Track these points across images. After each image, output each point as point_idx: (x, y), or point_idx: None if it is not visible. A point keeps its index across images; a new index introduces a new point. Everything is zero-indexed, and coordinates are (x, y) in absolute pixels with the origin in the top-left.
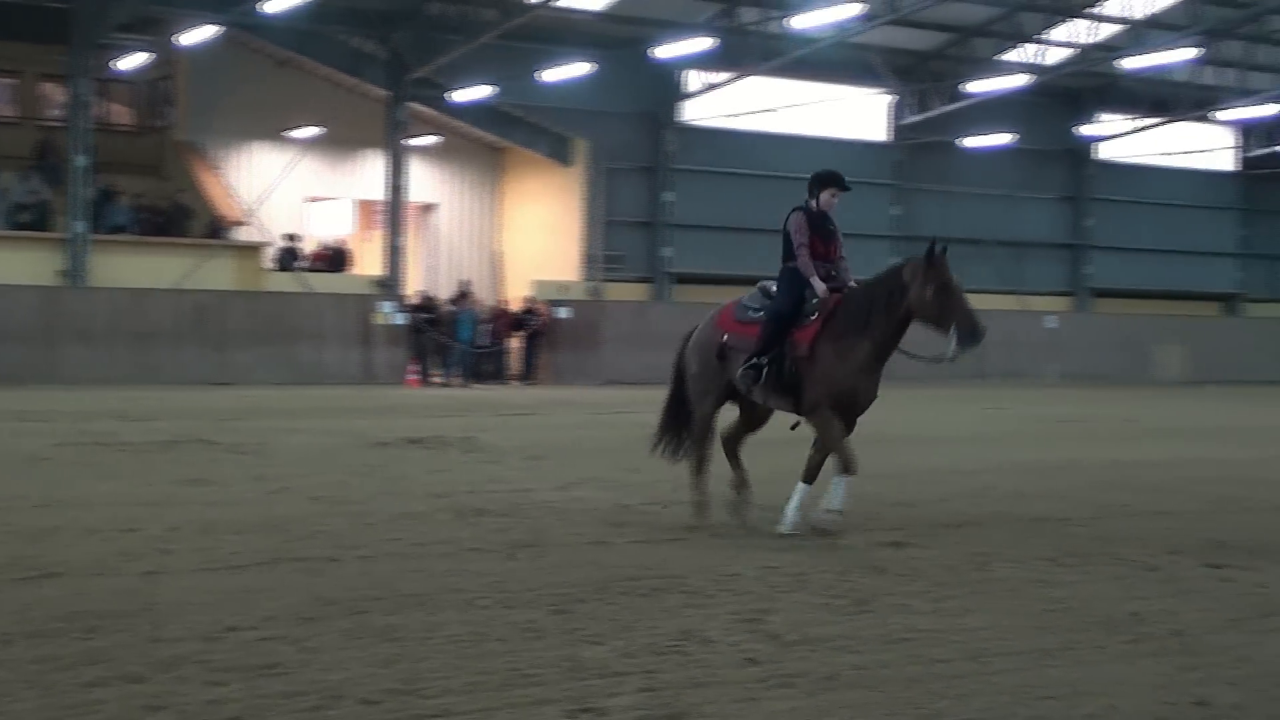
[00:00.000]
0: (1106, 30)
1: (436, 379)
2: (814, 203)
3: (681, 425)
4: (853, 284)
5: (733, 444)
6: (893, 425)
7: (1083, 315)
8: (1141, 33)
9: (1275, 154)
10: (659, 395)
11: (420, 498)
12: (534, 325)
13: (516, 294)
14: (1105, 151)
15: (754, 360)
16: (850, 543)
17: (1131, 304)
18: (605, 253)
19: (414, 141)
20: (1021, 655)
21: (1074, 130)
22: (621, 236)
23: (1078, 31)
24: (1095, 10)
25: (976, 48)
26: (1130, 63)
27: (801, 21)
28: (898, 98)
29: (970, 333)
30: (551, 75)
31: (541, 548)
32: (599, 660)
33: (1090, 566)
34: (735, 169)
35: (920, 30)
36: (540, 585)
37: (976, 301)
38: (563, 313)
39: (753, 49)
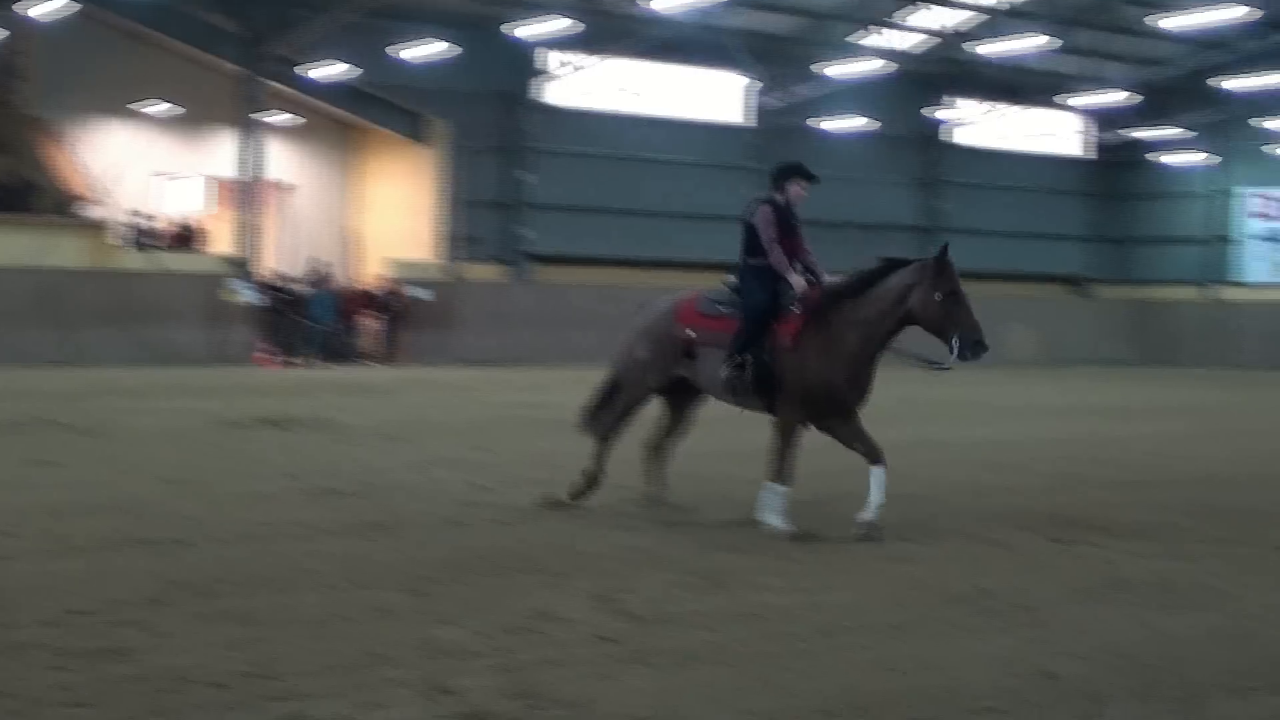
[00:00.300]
0: (962, 16)
1: (291, 359)
2: (779, 195)
3: (611, 411)
4: (827, 278)
5: (661, 451)
6: None
7: None
8: (996, 20)
9: (1125, 140)
10: (518, 376)
11: (273, 478)
12: (394, 306)
13: (374, 274)
14: (959, 136)
15: (738, 357)
16: (706, 521)
17: (983, 285)
18: (463, 234)
19: (270, 119)
20: (873, 630)
21: (928, 115)
22: (480, 217)
23: (934, 17)
24: None
25: (834, 32)
26: (985, 49)
27: (661, 4)
28: (756, 81)
29: (975, 344)
30: (409, 54)
31: (396, 528)
32: (454, 641)
33: (941, 543)
34: (596, 150)
35: (779, 14)
36: (395, 566)
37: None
38: (421, 293)
39: (613, 31)
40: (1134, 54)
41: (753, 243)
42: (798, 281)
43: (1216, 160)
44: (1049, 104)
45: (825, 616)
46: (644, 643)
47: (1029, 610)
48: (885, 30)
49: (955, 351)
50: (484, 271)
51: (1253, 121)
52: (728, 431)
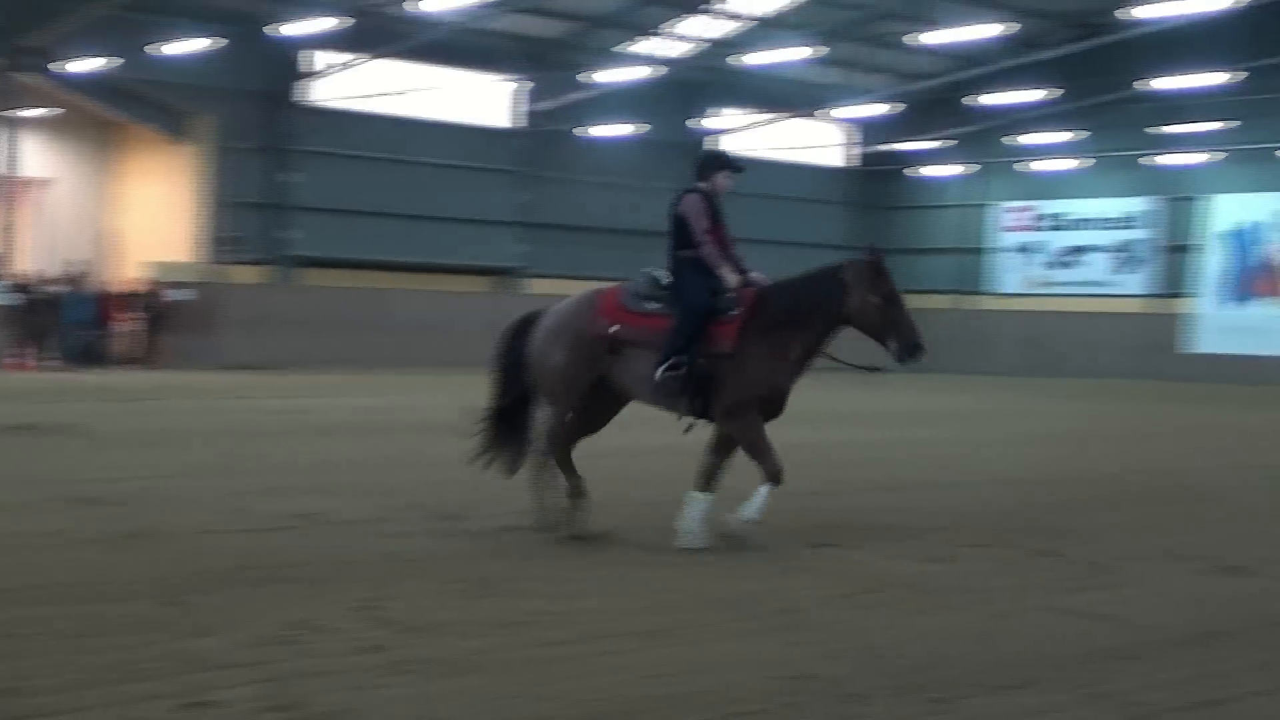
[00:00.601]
0: (729, 26)
1: (46, 363)
2: (705, 185)
3: (516, 429)
4: (754, 275)
5: (565, 449)
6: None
7: None
8: (762, 30)
9: (886, 152)
10: (282, 381)
11: (24, 486)
12: (153, 308)
13: (132, 275)
14: (725, 145)
15: (675, 359)
16: (471, 528)
17: None
18: (226, 234)
19: (24, 114)
20: (636, 636)
21: (695, 123)
22: (244, 218)
23: (701, 26)
24: (718, 6)
25: (603, 38)
26: (750, 59)
27: (430, 5)
28: (526, 85)
29: (914, 347)
30: (170, 50)
31: (153, 537)
32: (212, 652)
33: (701, 548)
34: (363, 152)
35: (548, 19)
36: (151, 576)
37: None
38: (181, 295)
39: (381, 31)
40: (895, 67)
41: (682, 235)
42: (732, 277)
43: (973, 172)
44: (813, 115)
45: (589, 622)
46: (406, 651)
47: (789, 613)
48: (654, 38)
49: (895, 355)
50: (247, 274)
51: (1006, 138)
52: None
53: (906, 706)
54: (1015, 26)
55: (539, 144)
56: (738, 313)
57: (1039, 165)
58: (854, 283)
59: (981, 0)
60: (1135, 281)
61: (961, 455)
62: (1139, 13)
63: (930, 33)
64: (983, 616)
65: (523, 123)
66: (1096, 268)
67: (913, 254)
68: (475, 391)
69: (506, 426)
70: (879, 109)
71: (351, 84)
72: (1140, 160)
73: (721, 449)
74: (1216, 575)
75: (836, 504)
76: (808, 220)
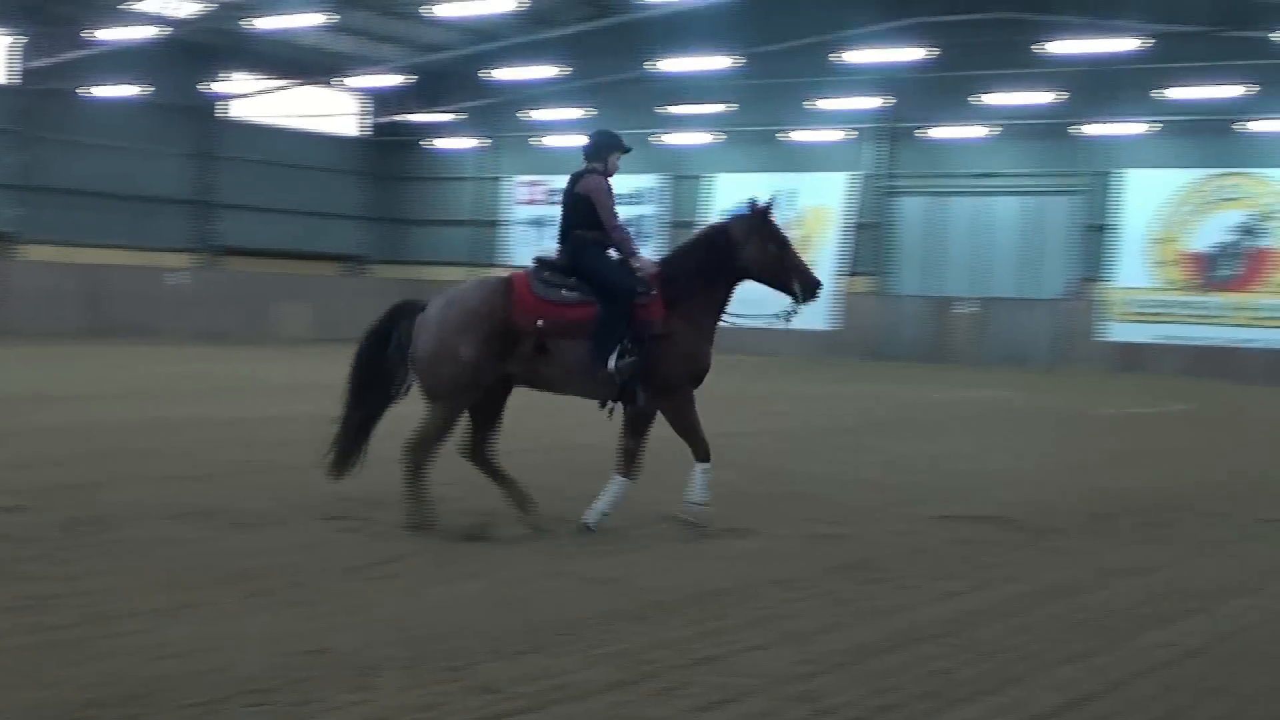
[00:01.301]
0: None
1: None
2: (600, 166)
3: (367, 429)
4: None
5: (486, 456)
6: (24, 384)
7: (210, 273)
8: None
9: (398, 122)
10: None
11: None
12: None
13: None
14: (236, 110)
15: (621, 346)
16: None
17: (260, 263)
18: None
19: None
20: (145, 615)
21: (205, 87)
22: None
23: None
24: None
25: None
26: (262, 23)
27: None
28: (21, 39)
29: (813, 286)
30: None
31: None
32: None
33: (207, 523)
34: None
35: None
36: None
37: (101, 257)
38: None
39: None
40: (409, 38)
41: (584, 216)
42: (646, 262)
43: (487, 146)
44: (327, 83)
45: (94, 602)
46: None
47: (302, 587)
48: None
49: (799, 297)
50: None
51: (520, 113)
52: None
53: (419, 676)
54: (528, 3)
55: (35, 102)
56: (656, 291)
57: (551, 140)
58: (745, 237)
59: None
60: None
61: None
62: None
63: (444, 5)
64: (495, 584)
65: (17, 80)
66: None
67: (429, 225)
68: None
69: (364, 425)
70: (393, 79)
71: None
72: (649, 139)
73: (639, 428)
74: (719, 538)
75: (360, 475)
76: (322, 190)
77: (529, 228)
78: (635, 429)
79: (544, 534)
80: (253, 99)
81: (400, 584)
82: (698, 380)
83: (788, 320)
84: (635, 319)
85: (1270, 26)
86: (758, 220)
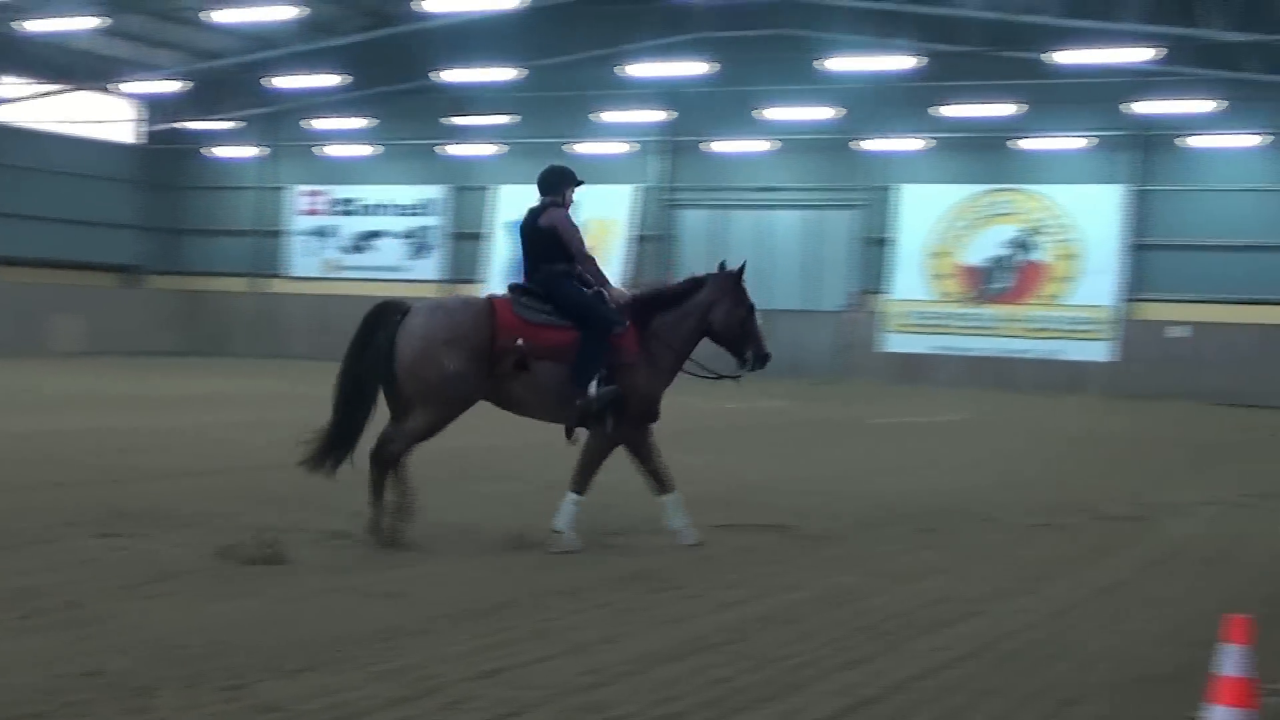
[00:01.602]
0: None
1: None
2: (560, 199)
3: (355, 435)
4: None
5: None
6: None
7: None
8: None
9: (176, 129)
10: None
11: None
12: None
13: None
14: (5, 115)
15: (600, 374)
16: None
17: (28, 273)
18: None
19: None
20: None
21: None
22: None
23: None
24: None
25: None
26: (32, 25)
27: None
28: None
29: (765, 357)
30: None
31: None
32: None
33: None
34: None
35: None
36: None
37: None
38: None
39: None
40: (187, 44)
41: (550, 248)
42: (619, 293)
43: (267, 154)
44: (102, 88)
45: None
46: None
47: (75, 607)
48: None
49: (748, 364)
50: None
51: (302, 122)
52: None
53: (197, 696)
54: (308, 11)
55: None
56: (629, 324)
57: (332, 150)
58: (718, 297)
59: None
60: (427, 267)
61: (250, 439)
62: (430, 6)
63: (222, 10)
64: (273, 601)
65: None
66: (389, 253)
67: (207, 235)
68: None
69: (351, 431)
70: (169, 86)
71: None
72: (434, 149)
73: (641, 452)
74: (503, 550)
75: (128, 491)
76: (96, 198)
77: (310, 238)
78: (639, 454)
79: (403, 547)
80: (23, 103)
81: (177, 601)
82: (647, 418)
83: (736, 381)
84: (615, 349)
85: (1041, 48)
86: (732, 282)
